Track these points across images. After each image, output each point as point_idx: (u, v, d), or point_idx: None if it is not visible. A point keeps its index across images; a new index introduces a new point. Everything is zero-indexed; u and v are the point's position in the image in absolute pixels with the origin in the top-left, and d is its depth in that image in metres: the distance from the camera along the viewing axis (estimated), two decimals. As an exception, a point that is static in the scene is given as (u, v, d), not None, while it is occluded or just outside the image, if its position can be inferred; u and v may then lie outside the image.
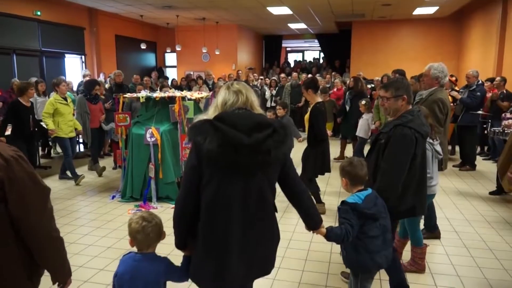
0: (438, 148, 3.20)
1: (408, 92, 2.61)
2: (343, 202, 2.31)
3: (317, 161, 4.64)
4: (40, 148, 7.80)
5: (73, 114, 6.44)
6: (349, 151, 7.78)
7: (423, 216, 3.60)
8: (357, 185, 2.36)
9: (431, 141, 3.12)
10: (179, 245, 1.98)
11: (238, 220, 1.81)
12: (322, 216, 2.20)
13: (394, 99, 2.59)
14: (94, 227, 4.44)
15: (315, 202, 4.63)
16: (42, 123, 6.25)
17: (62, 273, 1.73)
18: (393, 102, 2.60)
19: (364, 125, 6.88)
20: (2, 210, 1.47)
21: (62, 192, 5.72)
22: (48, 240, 1.60)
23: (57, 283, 1.75)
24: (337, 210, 2.39)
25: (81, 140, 8.22)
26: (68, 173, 6.30)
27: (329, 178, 6.08)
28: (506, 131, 5.36)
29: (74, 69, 11.67)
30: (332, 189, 5.76)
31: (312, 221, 2.09)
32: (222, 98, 1.89)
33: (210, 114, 1.87)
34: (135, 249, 2.02)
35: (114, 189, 5.82)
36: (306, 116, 4.73)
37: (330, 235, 2.16)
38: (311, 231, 2.14)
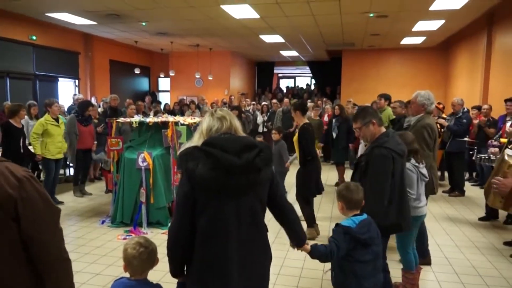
0: (424, 171, 3.29)
1: (375, 116, 2.82)
2: (337, 225, 2.36)
3: (310, 180, 4.76)
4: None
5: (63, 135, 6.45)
6: (347, 175, 7.84)
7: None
8: (353, 210, 2.40)
9: (416, 164, 3.23)
10: (174, 272, 1.94)
11: (235, 241, 1.82)
12: (315, 239, 2.24)
13: (365, 127, 2.81)
14: (82, 253, 4.37)
15: (308, 224, 4.72)
16: (30, 147, 6.22)
17: None
18: (365, 129, 2.82)
19: (364, 148, 6.97)
20: (14, 229, 1.46)
21: (51, 217, 5.64)
22: (59, 262, 1.58)
23: None
24: (332, 232, 2.43)
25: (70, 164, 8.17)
26: (58, 197, 6.24)
27: (320, 203, 6.11)
28: (491, 158, 5.46)
29: (67, 93, 11.71)
30: (323, 215, 5.75)
31: (297, 238, 2.13)
32: (207, 125, 1.94)
33: (196, 140, 1.90)
34: (126, 274, 2.01)
35: (104, 213, 5.76)
36: (295, 138, 4.87)
37: (314, 252, 2.22)
38: (295, 248, 2.19)
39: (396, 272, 3.78)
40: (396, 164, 2.66)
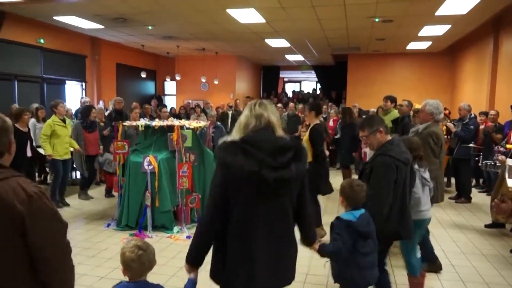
0: (426, 175, 3.32)
1: (382, 124, 2.85)
2: (338, 218, 2.47)
3: (321, 179, 4.88)
4: (36, 174, 7.79)
5: (70, 136, 6.51)
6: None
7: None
8: (352, 206, 2.52)
9: (418, 168, 3.25)
10: (194, 260, 1.99)
11: (264, 236, 1.90)
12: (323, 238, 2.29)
13: (372, 135, 2.83)
14: (87, 256, 4.39)
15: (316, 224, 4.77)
16: (39, 149, 6.28)
17: None
18: (372, 138, 2.84)
19: (371, 152, 6.93)
20: (20, 244, 1.48)
21: (57, 219, 5.68)
22: (63, 273, 1.60)
23: None
24: (330, 225, 2.53)
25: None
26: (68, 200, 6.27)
27: (326, 207, 6.08)
28: (497, 164, 5.43)
29: (75, 96, 11.80)
30: (328, 219, 5.71)
31: (310, 235, 2.19)
32: (245, 122, 1.98)
33: (234, 135, 1.95)
34: (125, 278, 2.01)
35: (109, 216, 5.79)
36: (306, 137, 4.99)
37: (322, 251, 2.32)
38: (307, 247, 2.24)
39: (401, 279, 3.77)
40: (399, 172, 2.68)
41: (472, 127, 6.82)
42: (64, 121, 6.33)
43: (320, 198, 5.12)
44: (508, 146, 5.77)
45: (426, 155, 3.60)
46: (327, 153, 5.41)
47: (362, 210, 2.49)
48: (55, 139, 6.16)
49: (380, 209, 2.63)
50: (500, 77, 9.00)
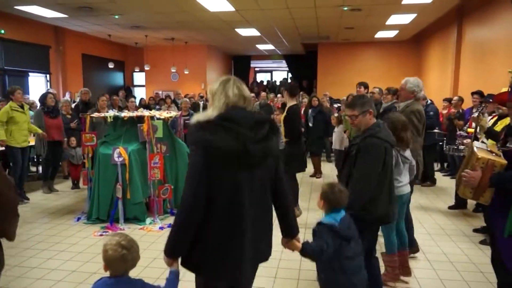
0: (406, 153, 3.33)
1: (372, 106, 2.77)
2: (319, 224, 2.36)
3: (296, 158, 5.03)
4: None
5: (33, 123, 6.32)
6: (324, 167, 7.95)
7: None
8: (333, 209, 2.41)
9: (397, 147, 3.22)
10: (178, 252, 1.89)
11: (249, 213, 1.87)
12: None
13: (362, 115, 2.72)
14: (57, 251, 4.29)
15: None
16: None
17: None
18: (361, 118, 2.73)
19: (338, 137, 7.03)
20: None
21: (22, 214, 5.49)
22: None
23: None
24: (312, 232, 2.41)
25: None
26: (30, 195, 6.08)
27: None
28: (460, 148, 5.65)
29: (39, 88, 11.38)
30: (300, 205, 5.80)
31: (291, 227, 2.14)
32: (224, 100, 1.90)
33: (210, 114, 1.88)
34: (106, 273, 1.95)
35: (79, 211, 5.66)
36: (281, 117, 5.18)
37: (306, 247, 2.21)
38: (287, 246, 2.18)
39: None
40: (388, 154, 2.66)
41: (432, 113, 7.03)
42: (22, 107, 6.08)
43: (305, 198, 5.21)
44: (469, 130, 6.01)
45: (410, 133, 3.59)
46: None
47: (343, 213, 2.39)
48: (13, 126, 5.90)
49: (367, 191, 2.58)
50: (463, 64, 9.32)
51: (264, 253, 2.04)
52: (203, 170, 1.79)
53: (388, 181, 2.70)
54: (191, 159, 1.87)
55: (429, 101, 7.24)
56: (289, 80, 19.65)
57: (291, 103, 5.17)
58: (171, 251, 1.88)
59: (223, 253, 1.86)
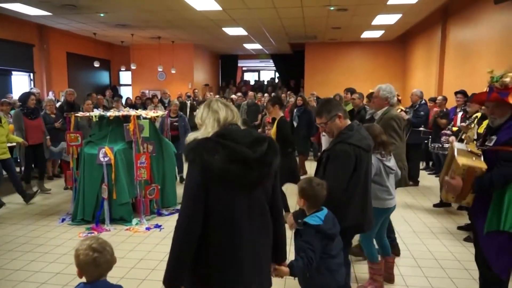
0: (390, 163, 3.25)
1: (340, 109, 2.63)
2: (305, 224, 2.28)
3: (289, 170, 4.97)
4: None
5: (12, 133, 6.19)
6: (310, 166, 7.97)
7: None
8: (314, 207, 2.36)
9: (381, 158, 3.18)
10: (176, 280, 1.78)
11: (248, 235, 1.81)
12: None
13: (331, 121, 2.60)
14: (41, 253, 4.22)
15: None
16: None
17: None
18: (331, 124, 2.61)
19: (327, 140, 7.07)
20: None
21: (5, 216, 5.41)
22: None
23: None
24: (295, 232, 2.37)
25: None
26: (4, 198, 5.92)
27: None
28: (444, 146, 5.73)
29: (22, 87, 11.17)
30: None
31: (282, 251, 2.07)
32: (224, 115, 1.89)
33: (205, 132, 1.85)
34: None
35: (64, 211, 5.58)
36: (273, 131, 5.12)
37: (294, 269, 2.12)
38: (276, 273, 2.08)
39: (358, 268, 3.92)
40: (360, 161, 2.48)
41: (422, 113, 7.13)
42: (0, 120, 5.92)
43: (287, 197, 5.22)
44: (454, 129, 6.10)
45: (392, 139, 3.58)
46: None
47: (325, 210, 2.33)
48: None
49: (335, 200, 2.41)
50: (448, 64, 9.47)
51: (268, 280, 1.97)
52: (201, 191, 1.75)
53: (361, 190, 2.53)
54: (188, 176, 1.82)
55: (423, 101, 7.32)
56: (276, 80, 19.69)
57: (279, 115, 5.26)
58: (171, 280, 1.78)
59: (219, 272, 1.80)
